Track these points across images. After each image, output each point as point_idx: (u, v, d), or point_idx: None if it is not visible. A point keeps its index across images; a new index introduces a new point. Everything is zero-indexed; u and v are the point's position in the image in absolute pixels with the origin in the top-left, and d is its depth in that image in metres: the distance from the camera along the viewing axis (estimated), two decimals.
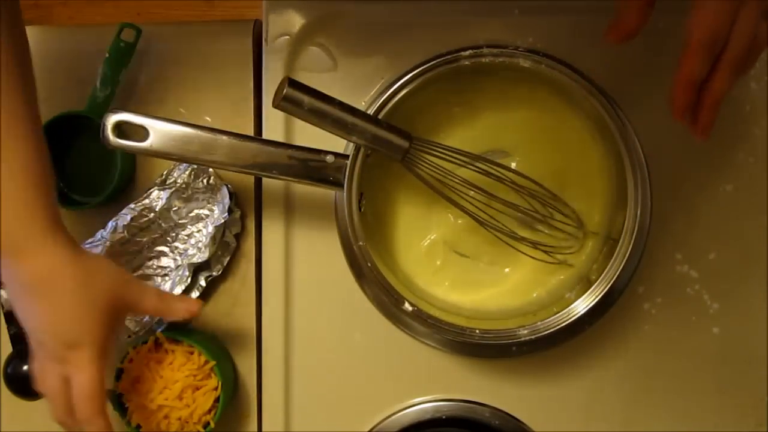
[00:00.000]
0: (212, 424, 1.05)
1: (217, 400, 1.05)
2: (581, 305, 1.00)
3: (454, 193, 1.02)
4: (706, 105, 0.85)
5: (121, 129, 0.95)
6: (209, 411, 1.05)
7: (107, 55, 1.09)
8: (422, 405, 1.11)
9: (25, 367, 1.13)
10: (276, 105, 0.91)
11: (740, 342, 1.09)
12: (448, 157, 1.01)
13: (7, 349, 1.14)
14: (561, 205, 1.04)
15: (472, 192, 1.03)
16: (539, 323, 1.00)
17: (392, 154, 0.98)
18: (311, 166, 0.99)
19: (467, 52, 1.01)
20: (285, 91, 0.90)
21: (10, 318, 1.14)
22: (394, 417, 1.11)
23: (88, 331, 0.91)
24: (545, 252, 1.05)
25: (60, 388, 0.92)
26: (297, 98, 0.91)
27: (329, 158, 0.99)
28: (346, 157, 0.99)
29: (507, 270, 1.09)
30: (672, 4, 1.04)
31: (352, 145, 1.00)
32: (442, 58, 1.01)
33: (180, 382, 1.04)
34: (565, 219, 1.04)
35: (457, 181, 1.02)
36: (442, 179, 1.01)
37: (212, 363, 1.05)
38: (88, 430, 0.93)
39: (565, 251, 1.06)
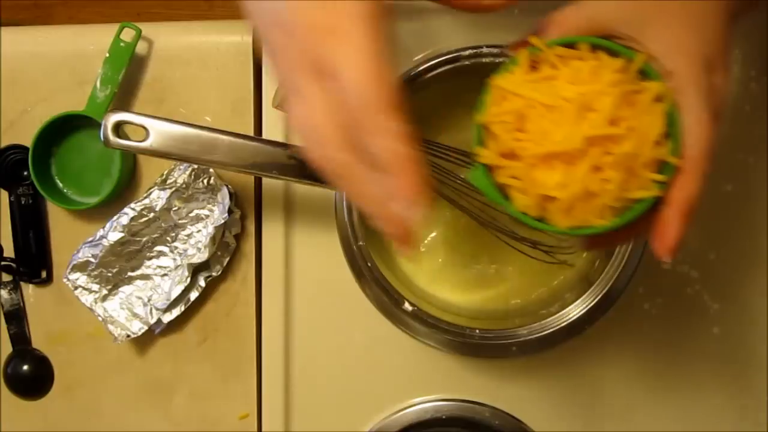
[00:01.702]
0: (672, 160, 0.71)
1: (669, 118, 0.71)
2: (581, 305, 1.00)
3: (455, 193, 1.02)
4: (684, 214, 0.71)
5: (121, 129, 0.95)
6: (662, 138, 0.71)
7: (107, 55, 1.09)
8: (422, 405, 1.11)
9: (26, 367, 1.14)
10: (276, 105, 0.91)
11: (740, 342, 1.09)
12: (447, 157, 1.01)
13: (7, 349, 1.15)
14: None
15: (472, 192, 1.02)
16: (539, 323, 1.01)
17: None
18: (311, 166, 0.99)
19: (467, 52, 1.01)
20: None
21: (10, 318, 1.14)
22: (394, 417, 1.11)
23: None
24: (545, 252, 1.05)
25: (321, 102, 0.66)
26: None
27: None
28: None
29: (507, 270, 1.09)
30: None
31: None
32: (442, 58, 1.01)
33: (606, 95, 0.70)
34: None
35: (457, 181, 1.02)
36: (442, 179, 1.01)
37: (641, 57, 0.72)
38: (376, 145, 0.67)
39: (566, 251, 1.06)
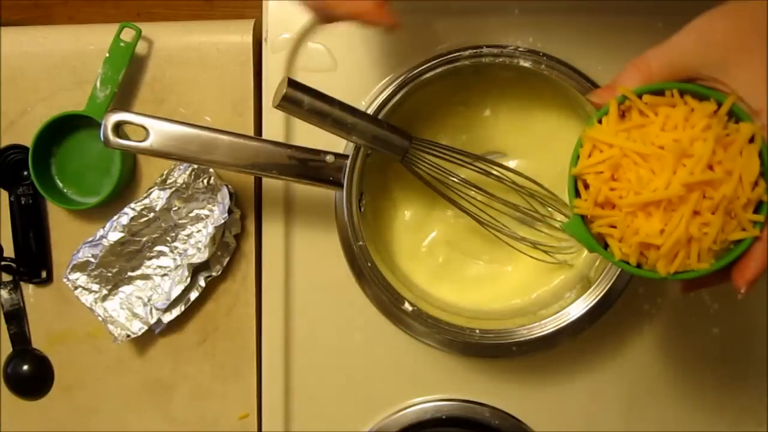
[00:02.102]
0: (765, 198, 0.72)
1: (759, 156, 0.72)
2: (581, 305, 1.00)
3: (454, 193, 1.02)
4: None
5: (121, 129, 0.95)
6: (757, 178, 0.72)
7: (107, 55, 1.09)
8: (422, 405, 1.11)
9: (26, 367, 1.14)
10: (276, 105, 0.91)
11: (740, 342, 1.09)
12: (448, 157, 1.01)
13: (7, 349, 1.15)
14: (561, 206, 1.04)
15: (472, 192, 1.03)
16: (539, 323, 1.01)
17: (392, 154, 0.98)
18: (311, 166, 0.99)
19: (467, 52, 1.01)
20: (285, 91, 0.90)
21: (10, 318, 1.14)
22: (394, 417, 1.11)
23: None
24: (545, 252, 1.05)
25: None
26: (297, 98, 0.91)
27: (329, 158, 0.99)
28: (346, 157, 0.99)
29: (507, 270, 1.09)
30: (672, 5, 1.04)
31: (351, 145, 1.00)
32: (443, 58, 1.01)
33: (700, 140, 0.71)
34: (565, 219, 1.04)
35: (457, 181, 1.02)
36: (442, 179, 1.01)
37: (731, 99, 0.72)
38: None
39: (565, 251, 1.06)
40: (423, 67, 1.01)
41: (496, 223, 1.03)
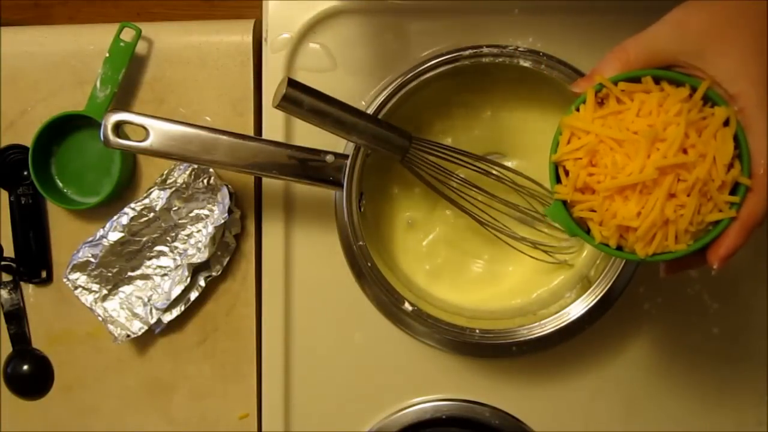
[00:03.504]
0: (743, 181, 0.73)
1: (735, 139, 0.73)
2: (581, 305, 1.00)
3: (454, 193, 1.02)
4: (745, 229, 0.73)
5: (121, 129, 0.95)
6: (733, 160, 0.73)
7: (107, 55, 1.09)
8: (422, 405, 1.11)
9: (26, 367, 1.14)
10: (276, 105, 0.91)
11: (740, 342, 1.09)
12: (448, 157, 1.01)
13: (7, 349, 1.15)
14: None
15: (473, 192, 1.03)
16: (539, 323, 1.01)
17: (392, 154, 0.98)
18: (311, 166, 0.99)
19: (467, 52, 1.01)
20: (285, 91, 0.90)
21: (10, 318, 1.14)
22: (394, 417, 1.11)
23: None
24: (545, 252, 1.05)
25: None
26: (297, 98, 0.91)
27: (329, 158, 0.99)
28: (346, 157, 0.99)
29: (507, 270, 1.09)
30: (672, 5, 1.04)
31: (351, 144, 1.00)
32: (443, 58, 1.01)
33: (673, 125, 0.73)
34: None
35: (457, 181, 1.02)
36: (442, 179, 1.01)
37: (705, 83, 0.74)
38: None
39: (565, 251, 1.06)
40: (423, 67, 1.01)
41: (497, 223, 1.03)
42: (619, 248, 0.77)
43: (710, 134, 0.73)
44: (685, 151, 0.73)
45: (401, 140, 0.97)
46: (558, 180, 0.79)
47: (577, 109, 0.78)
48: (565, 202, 0.78)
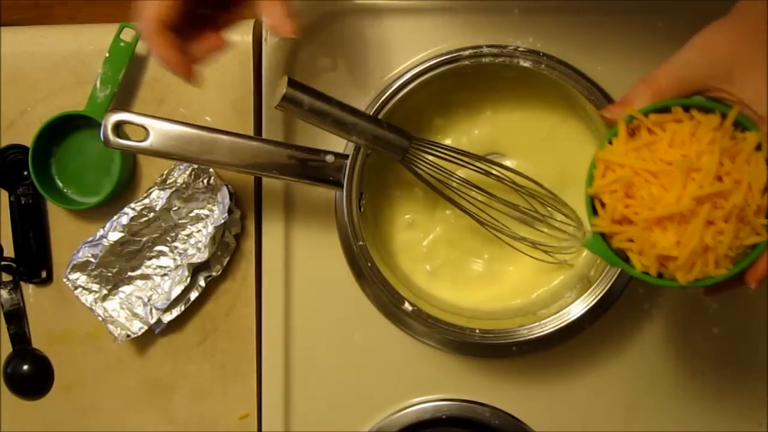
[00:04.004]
0: None
1: None
2: (581, 305, 1.00)
3: (454, 193, 1.02)
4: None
5: (121, 129, 0.95)
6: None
7: (107, 55, 1.09)
8: (422, 405, 1.11)
9: (26, 367, 1.14)
10: (276, 105, 0.91)
11: (740, 342, 1.09)
12: (447, 157, 1.01)
13: (7, 349, 1.15)
14: (561, 205, 1.04)
15: (472, 192, 1.03)
16: (539, 323, 1.01)
17: (392, 154, 0.98)
18: (311, 166, 0.99)
19: (467, 52, 1.01)
20: (285, 91, 0.90)
21: (10, 318, 1.14)
22: (394, 417, 1.11)
23: None
24: (545, 252, 1.05)
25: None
26: (297, 98, 0.91)
27: (329, 158, 0.99)
28: (346, 157, 0.99)
29: (507, 269, 1.09)
30: (672, 5, 1.04)
31: (352, 144, 1.00)
32: (443, 59, 1.01)
33: (707, 153, 0.75)
34: (565, 219, 1.04)
35: (457, 181, 1.02)
36: (441, 179, 1.01)
37: (735, 110, 0.75)
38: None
39: (565, 251, 1.06)
40: (423, 67, 1.01)
41: (496, 223, 1.03)
42: (660, 275, 0.78)
43: (743, 160, 0.74)
44: (720, 179, 0.74)
45: (401, 140, 0.97)
46: (595, 212, 0.81)
47: (610, 142, 0.80)
48: (603, 234, 0.80)
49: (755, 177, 0.73)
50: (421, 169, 0.99)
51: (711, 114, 0.76)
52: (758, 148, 0.74)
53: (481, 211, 1.03)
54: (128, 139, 0.95)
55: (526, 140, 1.08)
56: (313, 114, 0.92)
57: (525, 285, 1.08)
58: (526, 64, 1.00)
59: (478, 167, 1.03)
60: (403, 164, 0.99)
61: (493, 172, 1.03)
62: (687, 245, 0.74)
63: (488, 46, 1.02)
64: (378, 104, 1.01)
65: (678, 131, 0.76)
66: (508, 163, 1.07)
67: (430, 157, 1.00)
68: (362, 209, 1.04)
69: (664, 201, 0.75)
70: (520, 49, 1.02)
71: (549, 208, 1.04)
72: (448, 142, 1.08)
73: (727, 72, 0.74)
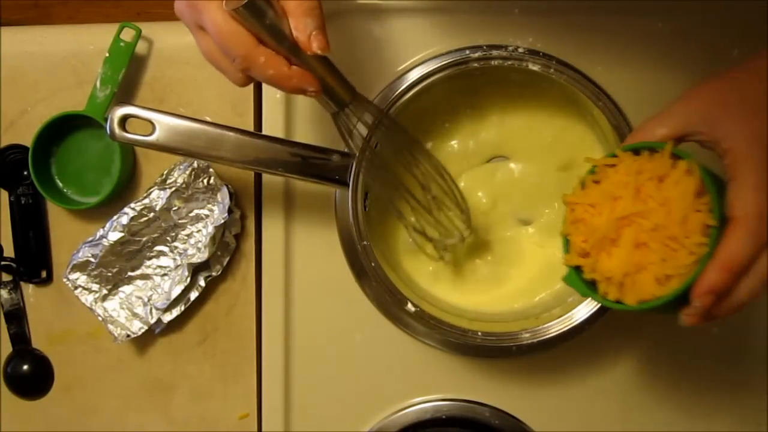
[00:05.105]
0: (709, 222, 0.77)
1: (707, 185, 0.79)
2: (585, 308, 1.00)
3: (372, 166, 1.01)
4: (725, 309, 0.79)
5: (126, 125, 0.95)
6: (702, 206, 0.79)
7: (107, 54, 1.09)
8: (422, 405, 1.11)
9: (26, 367, 1.14)
10: (235, 9, 0.82)
11: (740, 342, 1.09)
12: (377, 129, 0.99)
13: (7, 349, 1.15)
14: (461, 203, 1.04)
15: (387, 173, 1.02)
16: (541, 327, 1.01)
17: (329, 104, 0.93)
18: (317, 165, 0.98)
19: (476, 54, 1.01)
20: None
21: (10, 318, 1.14)
22: (394, 417, 1.11)
23: None
24: (432, 244, 1.05)
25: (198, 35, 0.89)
26: (261, 8, 0.82)
27: (335, 157, 0.98)
28: (352, 156, 0.98)
29: (510, 273, 1.09)
30: (671, 5, 1.05)
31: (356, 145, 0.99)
32: (451, 60, 1.01)
33: (627, 183, 0.83)
34: (458, 216, 1.05)
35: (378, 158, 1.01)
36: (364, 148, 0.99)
37: (669, 145, 0.81)
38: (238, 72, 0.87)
39: (443, 243, 1.05)
40: (432, 69, 1.01)
41: (398, 208, 1.03)
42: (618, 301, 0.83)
43: (671, 183, 0.80)
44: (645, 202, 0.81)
45: (344, 91, 0.93)
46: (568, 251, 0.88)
47: (582, 187, 0.87)
48: (578, 268, 0.86)
49: (679, 199, 0.78)
50: (345, 129, 0.96)
51: (656, 153, 0.82)
52: (690, 173, 0.80)
53: (393, 191, 1.03)
54: (133, 133, 0.94)
55: (532, 143, 1.08)
56: (272, 32, 0.84)
57: (528, 288, 1.08)
58: (535, 67, 1.00)
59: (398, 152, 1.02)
60: (333, 117, 0.95)
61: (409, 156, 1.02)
62: (619, 265, 0.81)
63: (488, 46, 1.02)
64: (386, 106, 1.00)
65: (619, 169, 0.84)
66: (512, 165, 1.08)
67: (360, 125, 0.97)
68: (367, 209, 1.04)
69: (594, 227, 0.83)
70: (523, 50, 1.02)
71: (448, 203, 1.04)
72: (454, 143, 1.08)
73: (711, 116, 0.80)
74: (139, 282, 1.11)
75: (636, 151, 0.84)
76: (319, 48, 0.84)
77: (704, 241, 0.77)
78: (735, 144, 0.77)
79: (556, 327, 1.01)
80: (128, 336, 1.09)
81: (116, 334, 1.09)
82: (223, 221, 1.07)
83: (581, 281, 0.86)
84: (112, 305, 1.10)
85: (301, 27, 0.84)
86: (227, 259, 1.12)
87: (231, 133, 0.95)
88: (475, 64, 1.01)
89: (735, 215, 0.75)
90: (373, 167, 1.01)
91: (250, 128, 1.12)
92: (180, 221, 1.10)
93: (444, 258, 1.07)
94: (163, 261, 1.11)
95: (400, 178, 1.03)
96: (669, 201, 0.79)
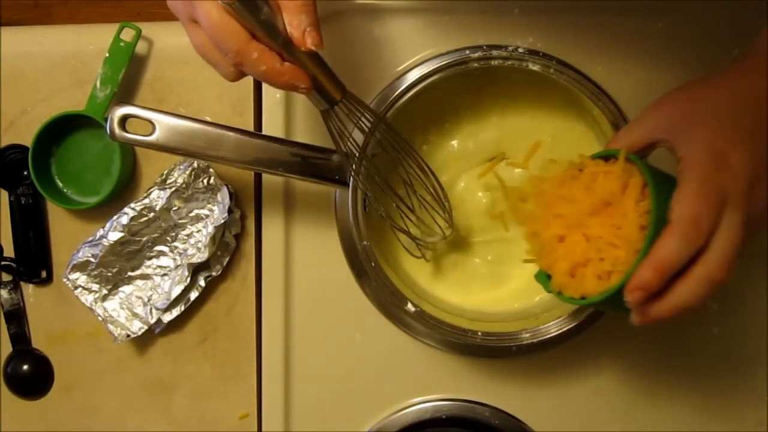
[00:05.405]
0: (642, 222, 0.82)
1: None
2: (585, 310, 1.00)
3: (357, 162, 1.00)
4: (663, 309, 0.80)
5: (126, 125, 0.95)
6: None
7: (107, 54, 1.09)
8: (422, 405, 1.11)
9: (26, 367, 1.14)
10: (230, 3, 0.82)
11: (740, 342, 1.09)
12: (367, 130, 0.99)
13: (7, 349, 1.14)
14: (444, 203, 1.04)
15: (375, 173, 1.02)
16: (541, 327, 1.01)
17: (320, 100, 0.92)
18: (317, 165, 0.98)
19: (476, 54, 1.01)
20: None
21: (10, 318, 1.14)
22: (394, 417, 1.11)
23: None
24: (412, 238, 1.05)
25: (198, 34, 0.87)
26: (256, 3, 0.82)
27: (335, 157, 0.98)
28: (353, 156, 0.98)
29: (510, 272, 1.09)
30: (671, 5, 1.05)
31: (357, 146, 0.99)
32: (451, 60, 1.01)
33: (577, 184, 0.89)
34: (441, 216, 1.05)
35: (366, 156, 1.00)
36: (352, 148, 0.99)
37: (622, 152, 0.86)
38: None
39: (425, 241, 1.05)
40: (432, 69, 1.01)
41: (384, 207, 1.02)
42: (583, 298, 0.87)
43: (618, 185, 0.85)
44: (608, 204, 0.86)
45: (334, 89, 0.92)
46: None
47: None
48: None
49: (623, 198, 0.84)
50: (335, 127, 0.95)
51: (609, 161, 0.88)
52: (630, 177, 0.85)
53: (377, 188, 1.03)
54: (133, 133, 0.94)
55: (532, 144, 1.08)
56: (266, 27, 0.84)
57: (528, 288, 1.08)
58: (535, 67, 1.00)
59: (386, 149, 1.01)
60: (322, 114, 0.94)
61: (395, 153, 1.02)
62: (564, 257, 0.87)
63: (488, 46, 1.02)
64: (386, 105, 1.00)
65: (578, 177, 0.89)
66: (512, 166, 1.08)
67: (350, 123, 0.96)
68: (367, 209, 1.04)
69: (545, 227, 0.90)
70: (524, 51, 1.02)
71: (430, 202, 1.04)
72: (454, 144, 1.08)
73: (667, 126, 0.84)
74: (139, 282, 1.11)
75: (606, 158, 0.89)
76: (313, 44, 0.84)
77: (640, 239, 0.81)
78: (687, 151, 0.81)
79: (556, 327, 1.01)
80: (128, 336, 1.09)
81: (116, 334, 1.09)
82: (223, 221, 1.07)
83: (546, 278, 0.91)
84: (112, 305, 1.10)
85: (295, 23, 0.84)
86: (227, 259, 1.12)
87: (231, 133, 0.95)
88: (475, 64, 1.01)
89: (672, 218, 0.78)
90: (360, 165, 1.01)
91: (250, 128, 1.12)
92: (180, 221, 1.10)
93: (425, 256, 1.07)
94: (163, 261, 1.11)
95: (385, 175, 1.02)
96: (614, 201, 0.84)
